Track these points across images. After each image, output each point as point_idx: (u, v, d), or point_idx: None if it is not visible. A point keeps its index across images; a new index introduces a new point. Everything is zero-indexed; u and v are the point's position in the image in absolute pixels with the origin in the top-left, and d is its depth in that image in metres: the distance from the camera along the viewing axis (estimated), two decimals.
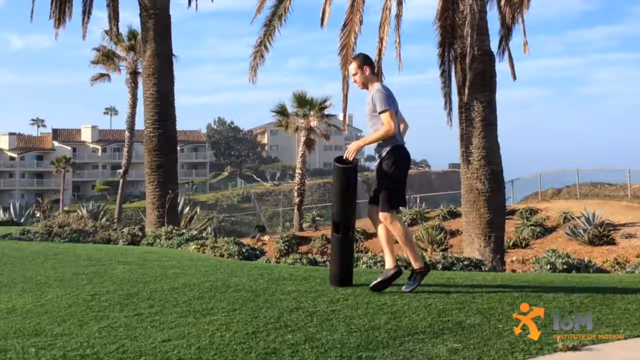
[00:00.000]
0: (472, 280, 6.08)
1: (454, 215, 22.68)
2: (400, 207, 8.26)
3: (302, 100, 32.41)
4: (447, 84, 13.62)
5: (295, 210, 31.04)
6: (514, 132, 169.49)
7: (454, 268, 7.86)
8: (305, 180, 34.14)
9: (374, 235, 16.95)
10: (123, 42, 35.14)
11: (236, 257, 8.90)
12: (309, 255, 9.21)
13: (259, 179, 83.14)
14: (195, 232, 12.80)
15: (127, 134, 37.14)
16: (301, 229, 27.70)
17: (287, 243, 20.89)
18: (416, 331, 4.15)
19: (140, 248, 10.70)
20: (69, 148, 79.94)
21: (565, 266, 9.02)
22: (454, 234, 19.85)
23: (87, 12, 17.62)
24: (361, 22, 14.08)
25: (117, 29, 18.94)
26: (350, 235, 5.61)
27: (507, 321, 4.37)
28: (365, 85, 5.53)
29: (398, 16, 13.71)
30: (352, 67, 5.57)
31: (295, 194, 31.75)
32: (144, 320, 4.43)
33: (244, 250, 9.25)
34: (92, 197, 55.35)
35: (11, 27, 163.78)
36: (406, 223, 21.93)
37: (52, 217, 17.72)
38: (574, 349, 3.82)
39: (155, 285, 5.81)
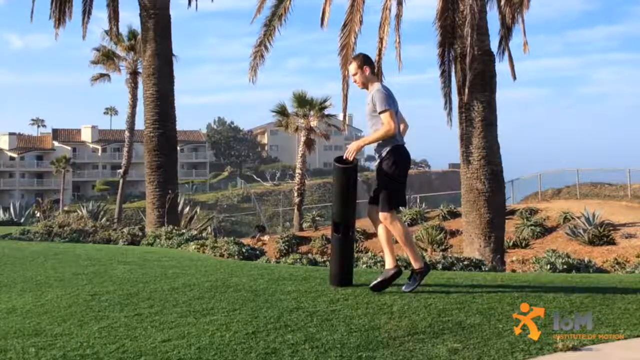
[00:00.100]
0: (472, 280, 6.08)
1: (454, 215, 22.68)
2: (400, 207, 8.27)
3: (302, 100, 32.40)
4: (447, 84, 13.63)
5: (295, 210, 31.04)
6: (514, 132, 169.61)
7: (454, 268, 7.86)
8: (305, 180, 34.14)
9: (374, 235, 16.95)
10: (123, 42, 35.11)
11: (236, 257, 8.91)
12: (309, 255, 9.22)
13: (259, 179, 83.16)
14: (195, 232, 12.81)
15: (127, 134, 37.13)
16: (301, 229, 27.71)
17: (287, 243, 20.89)
18: (416, 331, 4.15)
19: (140, 248, 10.70)
20: (69, 148, 79.94)
21: (565, 266, 9.02)
22: (454, 234, 19.85)
23: (87, 12, 17.64)
24: (361, 22, 14.08)
25: (117, 29, 18.97)
26: (350, 235, 5.61)
27: (507, 321, 4.37)
28: (365, 85, 5.52)
29: (398, 16, 13.72)
30: (352, 67, 5.57)
31: (295, 194, 31.75)
32: (144, 320, 4.43)
33: (244, 250, 9.25)
34: (92, 197, 55.39)
35: (11, 27, 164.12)
36: (406, 223, 21.93)
37: (52, 217, 17.73)
38: (574, 349, 3.82)
39: (155, 285, 5.81)
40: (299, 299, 5.07)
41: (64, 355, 3.66)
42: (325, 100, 32.42)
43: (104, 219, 19.66)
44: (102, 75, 38.04)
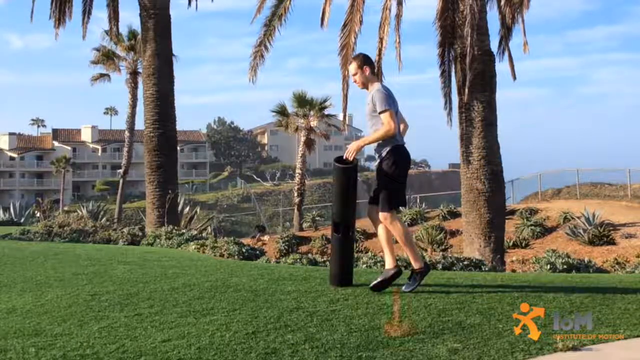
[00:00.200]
0: (472, 280, 6.08)
1: (454, 215, 22.68)
2: (400, 207, 8.27)
3: (302, 100, 32.40)
4: (447, 84, 13.63)
5: (295, 210, 31.04)
6: (514, 132, 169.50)
7: (454, 268, 7.86)
8: (305, 180, 34.14)
9: (374, 235, 16.95)
10: (123, 42, 35.11)
11: (236, 257, 8.91)
12: (309, 255, 9.22)
13: (259, 179, 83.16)
14: (195, 232, 12.81)
15: (127, 134, 37.13)
16: (301, 229, 27.71)
17: (287, 243, 20.90)
18: (416, 331, 4.15)
19: (140, 248, 10.70)
20: (69, 148, 79.93)
21: (565, 266, 9.02)
22: (454, 234, 19.86)
23: (87, 12, 17.64)
24: (361, 22, 14.09)
25: (117, 29, 18.97)
26: (350, 235, 5.61)
27: (507, 321, 4.37)
28: (365, 85, 5.53)
29: (398, 16, 13.72)
30: (352, 67, 5.57)
31: (295, 194, 31.75)
32: (144, 320, 4.43)
33: (244, 250, 9.25)
34: (92, 197, 55.39)
35: (11, 27, 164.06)
36: (406, 223, 21.93)
37: (52, 217, 17.74)
38: (574, 349, 3.82)
39: (155, 285, 5.81)
40: (299, 299, 5.07)
41: (64, 355, 3.66)
42: (325, 100, 32.44)
43: (104, 219, 19.67)
44: (102, 75, 38.05)
